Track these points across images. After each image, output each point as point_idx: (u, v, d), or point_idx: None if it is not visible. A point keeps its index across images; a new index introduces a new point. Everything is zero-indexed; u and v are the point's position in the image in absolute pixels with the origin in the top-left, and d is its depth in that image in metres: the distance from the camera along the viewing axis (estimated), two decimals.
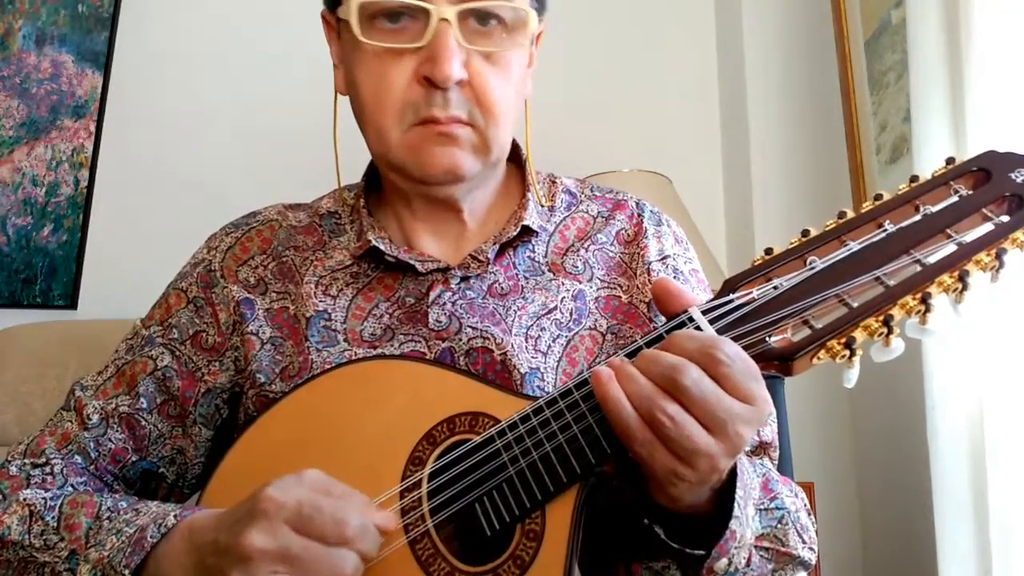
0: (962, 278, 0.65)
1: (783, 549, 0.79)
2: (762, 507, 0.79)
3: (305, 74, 1.93)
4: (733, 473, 0.69)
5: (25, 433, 1.01)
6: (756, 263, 0.71)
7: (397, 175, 0.87)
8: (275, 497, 0.63)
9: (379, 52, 0.81)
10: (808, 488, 1.67)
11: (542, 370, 0.83)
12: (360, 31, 0.80)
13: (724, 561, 0.69)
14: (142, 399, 0.87)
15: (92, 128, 1.93)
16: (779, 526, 0.79)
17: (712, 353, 0.62)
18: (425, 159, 0.82)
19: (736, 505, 0.68)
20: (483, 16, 0.81)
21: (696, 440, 0.62)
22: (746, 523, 0.71)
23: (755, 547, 0.76)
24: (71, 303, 1.88)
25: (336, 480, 0.66)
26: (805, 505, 0.84)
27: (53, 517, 0.76)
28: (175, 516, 0.71)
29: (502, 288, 0.88)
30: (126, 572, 0.69)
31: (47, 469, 0.83)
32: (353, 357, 0.83)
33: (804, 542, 0.81)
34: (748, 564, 0.74)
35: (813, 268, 0.68)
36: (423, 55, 0.80)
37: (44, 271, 1.87)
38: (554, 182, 0.98)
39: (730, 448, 0.63)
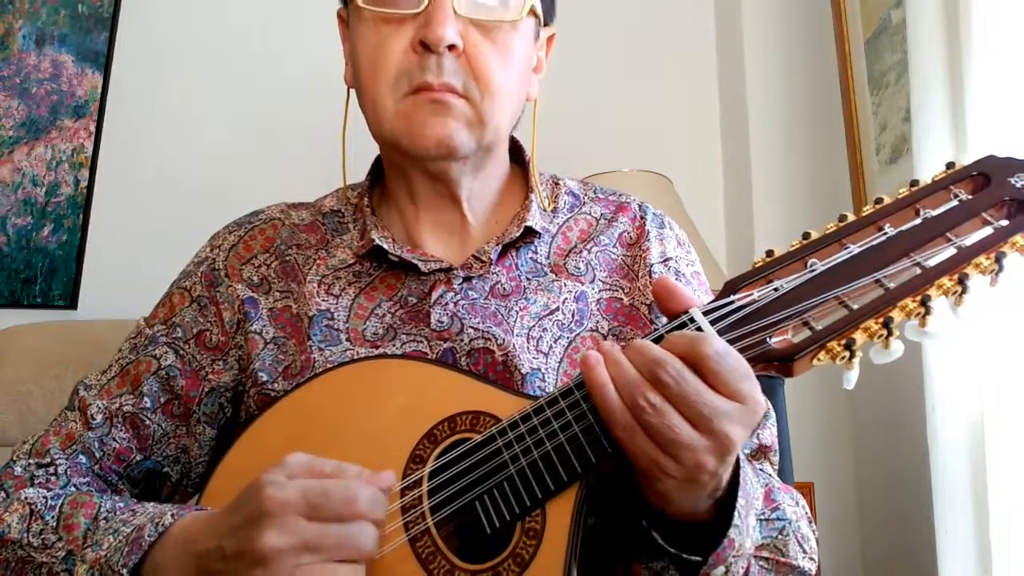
0: (961, 281, 0.65)
1: (783, 559, 0.79)
2: (763, 517, 0.79)
3: (305, 73, 1.94)
4: (736, 482, 0.69)
5: (25, 433, 1.01)
6: (757, 265, 0.71)
7: (393, 152, 0.88)
8: (276, 495, 0.62)
9: (378, 21, 0.83)
10: (808, 488, 1.67)
11: (543, 371, 0.83)
12: None
13: (721, 569, 0.69)
14: (146, 398, 0.87)
15: (92, 128, 1.93)
16: (780, 536, 0.79)
17: (700, 349, 0.62)
18: (417, 129, 0.82)
19: (736, 514, 0.68)
20: None
21: (677, 431, 0.62)
22: (746, 532, 0.71)
23: (755, 557, 0.76)
24: (71, 303, 1.88)
25: (318, 457, 0.66)
26: (806, 513, 0.84)
27: (53, 517, 0.76)
28: (172, 515, 0.71)
29: (504, 289, 0.88)
30: (124, 572, 0.68)
31: (51, 469, 0.83)
32: (355, 357, 0.83)
33: (804, 552, 0.81)
34: (747, 574, 0.74)
35: (813, 270, 0.68)
36: (420, 21, 0.81)
37: (44, 271, 1.87)
38: (557, 183, 0.99)
39: (717, 446, 0.62)
